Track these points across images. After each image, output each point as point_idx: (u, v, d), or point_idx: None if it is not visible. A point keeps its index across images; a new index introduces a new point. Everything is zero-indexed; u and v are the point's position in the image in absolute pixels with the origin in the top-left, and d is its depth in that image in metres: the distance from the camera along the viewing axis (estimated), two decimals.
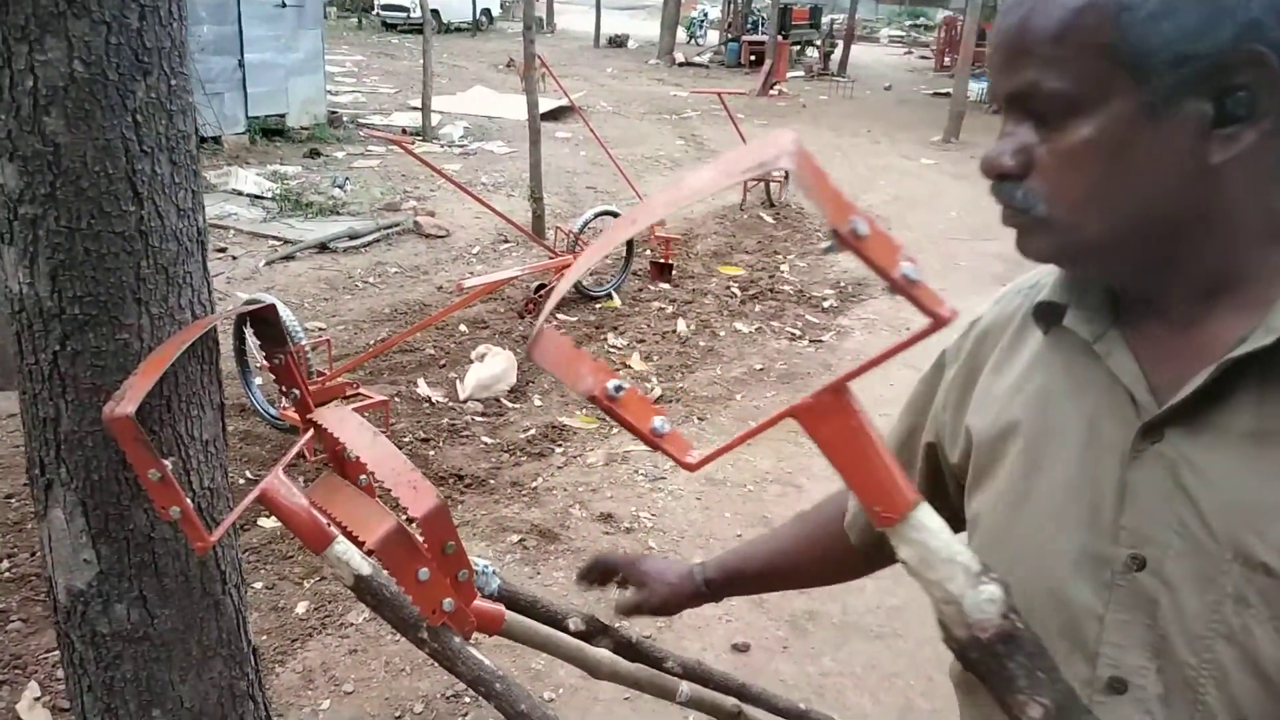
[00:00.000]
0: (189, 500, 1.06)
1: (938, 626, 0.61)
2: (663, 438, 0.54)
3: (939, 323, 0.51)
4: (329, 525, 1.19)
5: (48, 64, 1.02)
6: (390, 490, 1.10)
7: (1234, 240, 0.68)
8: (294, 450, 1.26)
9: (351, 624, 2.82)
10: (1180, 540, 0.69)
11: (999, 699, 0.60)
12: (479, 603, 1.26)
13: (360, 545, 1.17)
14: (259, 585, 2.98)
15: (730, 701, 1.50)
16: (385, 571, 1.17)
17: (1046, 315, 0.80)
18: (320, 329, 5.00)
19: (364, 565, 1.21)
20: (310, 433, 1.30)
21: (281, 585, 3.00)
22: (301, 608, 2.88)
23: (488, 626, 1.26)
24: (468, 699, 2.52)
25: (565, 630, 1.44)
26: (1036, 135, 0.69)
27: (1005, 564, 0.80)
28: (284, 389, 1.27)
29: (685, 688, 1.45)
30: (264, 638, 2.73)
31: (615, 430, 4.20)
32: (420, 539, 1.10)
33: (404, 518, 1.11)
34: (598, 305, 5.64)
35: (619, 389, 0.53)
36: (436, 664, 1.31)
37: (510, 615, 1.31)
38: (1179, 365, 0.70)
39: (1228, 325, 0.69)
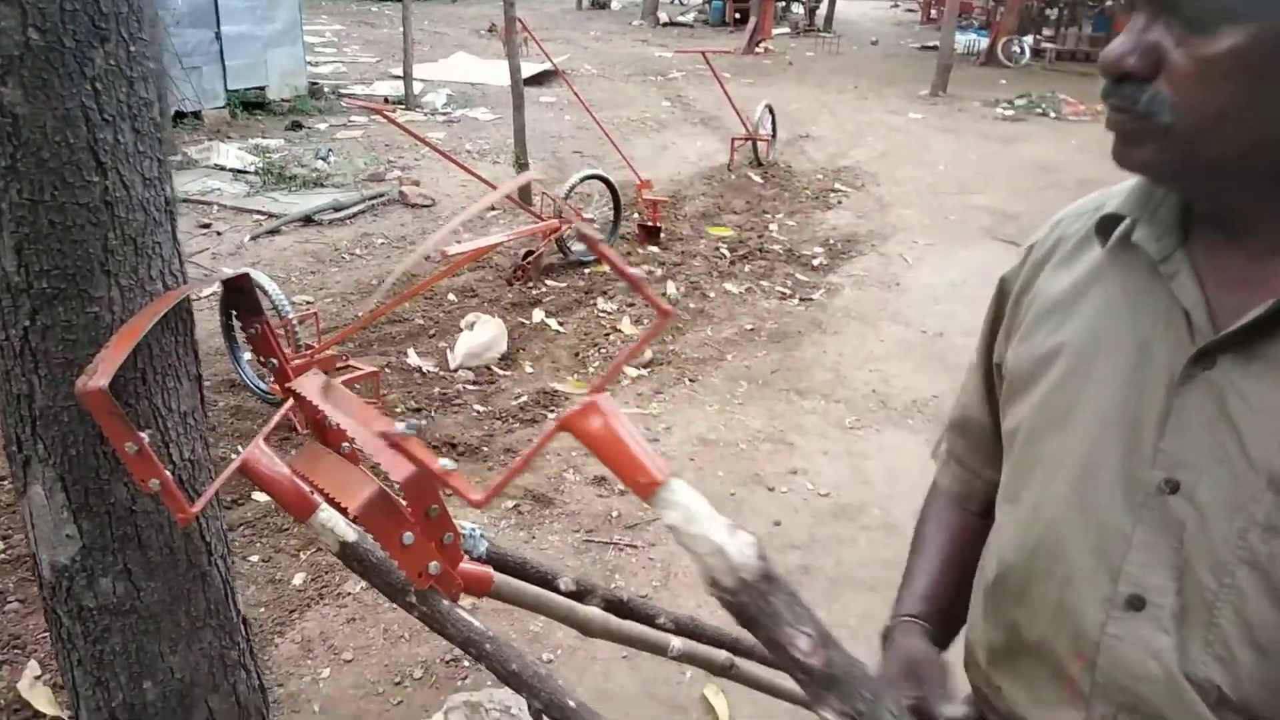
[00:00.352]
0: (168, 472, 1.05)
1: (705, 585, 0.65)
2: (449, 475, 0.62)
3: (665, 317, 0.62)
4: (312, 493, 1.18)
5: (2, 32, 1.00)
6: (371, 456, 1.09)
7: None
8: (275, 420, 1.25)
9: (349, 593, 2.83)
10: (1217, 466, 0.68)
11: (769, 639, 0.64)
12: (466, 565, 1.26)
13: (344, 512, 1.17)
14: (255, 559, 2.98)
15: (722, 655, 1.51)
16: (371, 537, 1.17)
17: (1110, 229, 0.78)
18: (308, 302, 4.97)
19: (349, 532, 1.21)
20: (290, 402, 1.30)
21: (278, 558, 3.00)
22: (298, 579, 2.89)
23: (476, 588, 1.26)
24: (466, 663, 2.54)
25: (556, 590, 1.44)
26: (1173, 37, 0.65)
27: (1043, 477, 0.80)
28: (262, 359, 1.26)
29: (677, 643, 1.45)
30: (261, 609, 2.75)
31: (609, 393, 4.20)
32: (404, 503, 1.10)
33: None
34: (587, 270, 5.61)
35: (408, 430, 0.61)
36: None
37: (499, 577, 1.31)
38: (1244, 293, 0.69)
39: None
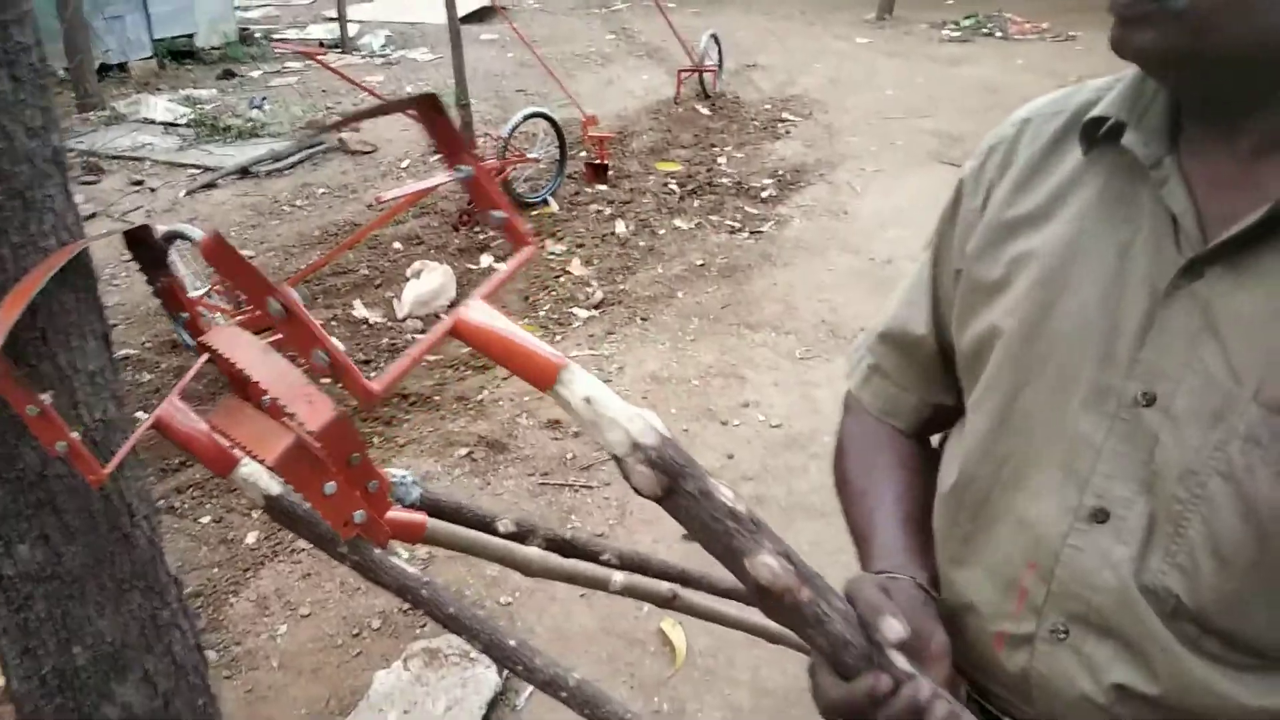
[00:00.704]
0: (77, 435, 1.01)
1: (623, 465, 0.63)
2: (345, 368, 0.63)
3: (530, 249, 0.71)
4: (233, 448, 1.16)
5: None
6: (287, 407, 1.07)
7: None
8: (189, 376, 1.21)
9: (302, 549, 2.82)
10: (1196, 378, 0.68)
11: (700, 490, 0.62)
12: (397, 513, 1.25)
13: (263, 464, 1.15)
14: (206, 520, 2.96)
15: (665, 586, 1.53)
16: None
17: (1093, 134, 0.76)
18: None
19: (273, 485, 1.19)
20: (205, 356, 1.26)
21: (229, 518, 2.98)
22: (251, 537, 2.87)
23: (408, 535, 1.25)
24: None
25: (495, 533, 1.44)
26: None
27: (1012, 384, 0.78)
28: (171, 314, 1.22)
29: (618, 577, 1.46)
30: (215, 570, 2.73)
31: (560, 337, 4.18)
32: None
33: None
34: (534, 212, 5.53)
35: (281, 310, 0.61)
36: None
37: (433, 522, 1.30)
38: (1234, 200, 0.67)
39: None
